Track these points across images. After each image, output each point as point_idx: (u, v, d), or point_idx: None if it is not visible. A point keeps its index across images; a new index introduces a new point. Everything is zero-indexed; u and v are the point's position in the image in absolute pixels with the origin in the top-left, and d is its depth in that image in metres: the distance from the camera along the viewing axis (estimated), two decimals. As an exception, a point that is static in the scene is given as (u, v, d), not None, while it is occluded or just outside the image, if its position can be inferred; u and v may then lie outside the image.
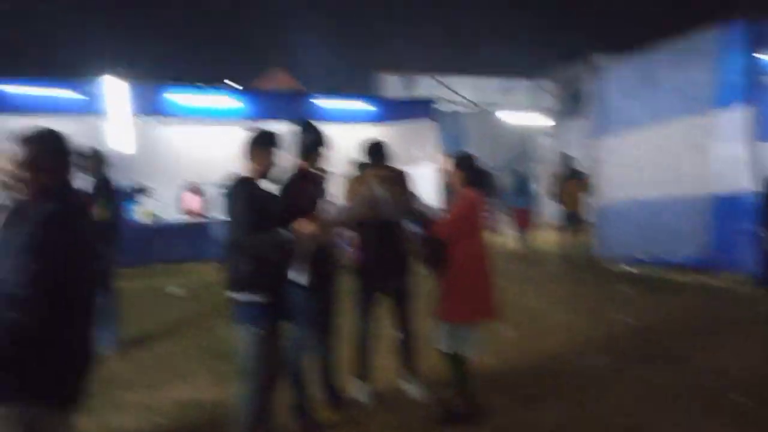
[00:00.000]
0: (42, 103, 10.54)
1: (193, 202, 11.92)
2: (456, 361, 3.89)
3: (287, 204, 3.53)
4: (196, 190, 11.93)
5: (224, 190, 3.35)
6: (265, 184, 3.41)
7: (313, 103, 12.80)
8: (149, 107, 11.26)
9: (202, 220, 11.55)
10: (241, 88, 14.98)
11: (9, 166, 2.26)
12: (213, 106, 12.35)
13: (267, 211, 3.29)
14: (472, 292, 3.81)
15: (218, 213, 10.41)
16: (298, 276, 3.43)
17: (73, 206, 2.30)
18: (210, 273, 9.96)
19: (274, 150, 3.42)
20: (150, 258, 10.19)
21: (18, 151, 2.24)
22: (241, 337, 3.29)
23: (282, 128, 3.64)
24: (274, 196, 3.51)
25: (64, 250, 2.14)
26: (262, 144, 3.40)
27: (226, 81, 16.65)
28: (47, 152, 2.26)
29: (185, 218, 11.64)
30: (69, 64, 13.66)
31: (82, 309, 2.27)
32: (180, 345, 5.90)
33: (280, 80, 23.58)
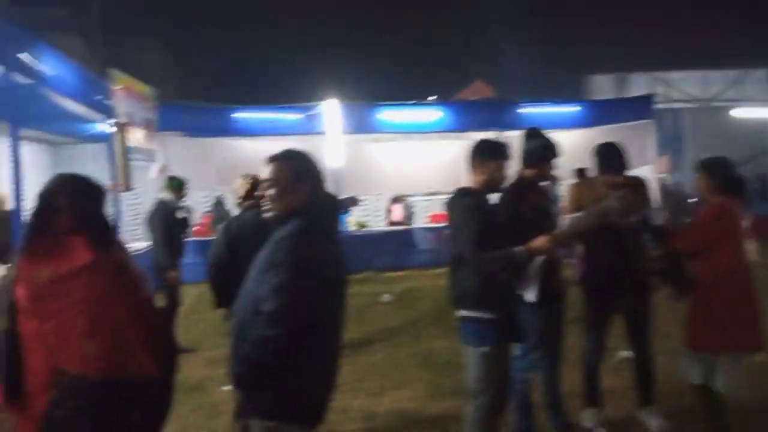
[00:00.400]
0: (270, 127, 11.73)
1: (399, 212, 12.36)
2: (708, 394, 3.37)
3: (514, 216, 3.36)
4: (401, 201, 12.36)
5: (448, 202, 3.28)
6: (492, 196, 3.28)
7: (519, 111, 12.49)
8: (361, 125, 11.90)
9: (407, 229, 11.93)
10: (442, 102, 15.18)
11: (261, 185, 2.39)
12: (418, 121, 12.69)
13: (493, 224, 3.15)
14: (731, 318, 3.26)
15: (422, 222, 10.62)
16: (528, 293, 3.23)
17: (322, 223, 2.35)
18: (416, 280, 10.23)
19: (500, 160, 3.26)
20: (359, 266, 10.67)
21: (268, 170, 2.36)
22: (468, 355, 3.17)
23: (491, 138, 3.46)
24: (501, 207, 3.36)
25: (315, 265, 2.18)
26: (487, 154, 3.26)
27: (429, 98, 17.03)
28: (294, 170, 2.34)
29: (391, 228, 12.09)
30: (295, 91, 15.03)
31: (332, 324, 2.32)
32: (395, 353, 6.01)
33: (480, 91, 23.53)
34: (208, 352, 6.01)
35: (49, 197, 2.25)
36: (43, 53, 6.16)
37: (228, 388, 4.87)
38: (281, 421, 2.22)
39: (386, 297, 8.74)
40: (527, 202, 3.51)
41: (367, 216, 12.14)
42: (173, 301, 6.10)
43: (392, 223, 12.22)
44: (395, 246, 11.56)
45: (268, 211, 2.35)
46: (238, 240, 3.92)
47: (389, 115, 12.48)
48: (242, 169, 4.37)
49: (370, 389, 4.94)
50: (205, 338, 6.42)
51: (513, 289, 3.27)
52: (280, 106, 12.18)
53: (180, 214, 6.37)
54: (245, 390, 2.28)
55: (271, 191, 2.32)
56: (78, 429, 2.11)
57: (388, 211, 12.41)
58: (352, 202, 10.09)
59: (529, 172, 3.59)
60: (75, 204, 2.26)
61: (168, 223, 6.18)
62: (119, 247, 2.41)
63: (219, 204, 11.22)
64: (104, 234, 2.34)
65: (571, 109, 12.97)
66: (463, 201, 3.20)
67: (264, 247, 2.30)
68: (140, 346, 2.22)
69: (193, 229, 11.41)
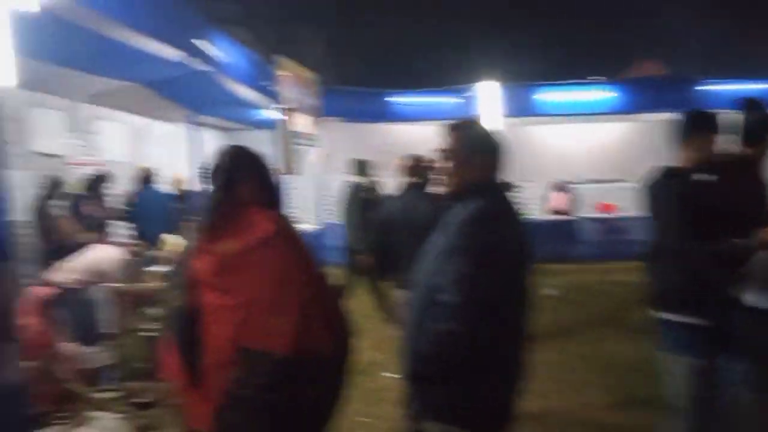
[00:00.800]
0: (425, 111, 11.64)
1: (560, 200, 11.65)
2: None
3: (730, 201, 2.82)
4: (562, 188, 11.64)
5: (646, 186, 2.83)
6: (702, 177, 2.77)
7: (700, 89, 11.18)
8: (520, 108, 11.39)
9: (569, 219, 11.22)
10: (610, 81, 14.03)
11: (435, 156, 2.14)
12: (583, 102, 11.88)
13: (706, 211, 2.65)
14: None
15: (587, 212, 9.87)
16: (757, 296, 2.69)
17: (505, 203, 2.07)
18: (580, 274, 9.59)
19: (711, 134, 2.76)
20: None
21: (446, 140, 2.10)
22: (668, 366, 2.72)
23: (663, 120, 2.92)
24: (715, 192, 2.83)
25: (500, 253, 1.91)
26: (698, 128, 2.77)
27: (592, 77, 15.90)
28: (473, 142, 2.07)
29: (552, 217, 11.43)
30: (452, 72, 14.80)
31: (518, 318, 2.03)
32: (565, 353, 5.57)
33: (647, 69, 21.67)
34: (370, 334, 5.97)
35: (229, 170, 2.19)
36: (217, 40, 6.47)
37: (390, 374, 4.82)
38: (461, 425, 1.97)
39: (549, 291, 8.23)
40: (745, 185, 2.94)
41: (523, 204, 11.59)
42: (374, 285, 6.23)
43: (553, 212, 11.53)
44: (556, 236, 10.90)
45: (441, 185, 2.11)
46: (389, 220, 4.14)
47: (551, 95, 11.83)
48: (396, 155, 4.44)
49: (540, 391, 4.54)
50: (367, 321, 6.41)
51: (728, 289, 2.75)
52: (435, 89, 12.02)
53: (366, 197, 6.43)
54: (419, 387, 2.07)
55: (446, 163, 2.08)
56: (259, 409, 2.01)
57: (548, 199, 11.73)
58: (507, 188, 9.62)
59: (749, 150, 3.01)
60: (255, 176, 2.20)
61: (360, 206, 6.26)
62: (291, 222, 2.32)
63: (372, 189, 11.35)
64: (280, 207, 2.27)
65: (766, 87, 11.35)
66: (667, 183, 2.74)
67: (439, 231, 2.06)
68: (320, 323, 2.09)
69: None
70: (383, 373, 4.76)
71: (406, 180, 4.23)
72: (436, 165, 2.17)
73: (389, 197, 4.41)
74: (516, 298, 2.02)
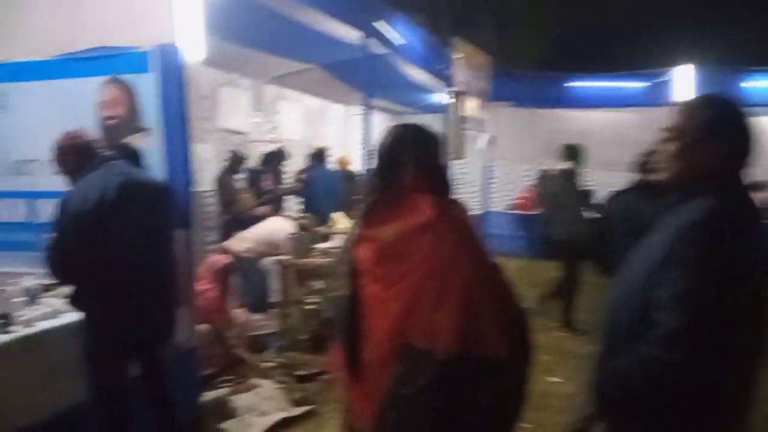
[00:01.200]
0: (607, 97, 10.78)
1: (760, 201, 10.17)
2: None
3: None
4: (759, 189, 10.13)
5: None
6: None
7: None
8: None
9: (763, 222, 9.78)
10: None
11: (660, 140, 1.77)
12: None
13: None
14: None
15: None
16: None
17: (743, 207, 1.65)
18: None
19: None
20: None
21: (672, 120, 1.70)
22: None
23: None
24: None
25: (737, 266, 1.52)
26: None
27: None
28: (710, 123, 1.64)
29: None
30: (643, 56, 13.52)
31: (751, 344, 1.62)
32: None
33: None
34: (536, 334, 5.61)
35: (392, 151, 2.03)
36: (396, 24, 6.41)
37: (556, 379, 4.47)
38: None
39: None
40: None
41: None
42: (570, 281, 5.92)
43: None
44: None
45: (659, 171, 1.73)
46: (612, 216, 4.03)
47: (760, 82, 10.30)
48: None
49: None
50: (533, 318, 6.06)
51: None
52: (621, 73, 11.04)
53: (576, 185, 6.06)
54: (613, 416, 1.74)
55: (670, 146, 1.69)
56: (421, 410, 1.84)
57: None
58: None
59: None
60: (420, 157, 2.00)
61: (572, 195, 5.90)
62: (460, 207, 2.10)
63: (545, 178, 10.74)
64: (446, 190, 2.06)
65: None
66: None
67: (655, 232, 1.69)
68: (491, 320, 1.87)
69: (516, 202, 11.21)
70: (547, 378, 4.42)
71: (636, 176, 4.05)
72: (657, 149, 1.79)
73: (616, 192, 4.20)
74: (753, 321, 1.60)
